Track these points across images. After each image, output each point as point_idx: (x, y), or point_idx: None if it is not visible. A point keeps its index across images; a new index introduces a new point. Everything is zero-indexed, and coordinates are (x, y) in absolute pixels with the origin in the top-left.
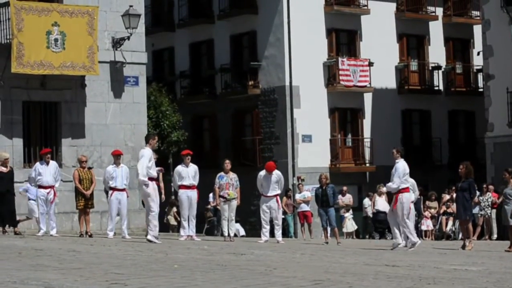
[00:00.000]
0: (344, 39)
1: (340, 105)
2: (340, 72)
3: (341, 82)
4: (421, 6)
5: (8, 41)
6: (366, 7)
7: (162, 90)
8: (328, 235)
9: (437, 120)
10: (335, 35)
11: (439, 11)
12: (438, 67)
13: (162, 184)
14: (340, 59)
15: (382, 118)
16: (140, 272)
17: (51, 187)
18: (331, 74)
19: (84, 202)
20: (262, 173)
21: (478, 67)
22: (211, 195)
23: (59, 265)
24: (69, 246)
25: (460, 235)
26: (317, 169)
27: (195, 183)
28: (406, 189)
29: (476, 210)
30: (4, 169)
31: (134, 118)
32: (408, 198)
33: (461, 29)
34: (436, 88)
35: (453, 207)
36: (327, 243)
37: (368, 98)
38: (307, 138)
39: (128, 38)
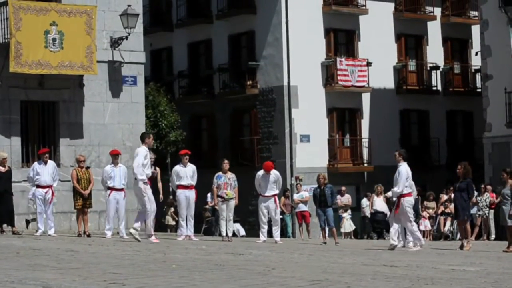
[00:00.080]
0: (342, 39)
1: (338, 105)
2: (338, 72)
3: (339, 82)
4: (419, 6)
5: (6, 40)
6: (364, 7)
7: (160, 89)
8: (326, 235)
9: (435, 120)
10: (333, 35)
11: (437, 11)
12: (436, 67)
13: (160, 184)
14: (338, 59)
15: (380, 118)
16: (138, 272)
17: (49, 186)
18: (329, 74)
19: (82, 202)
20: (260, 173)
21: (476, 67)
22: (209, 195)
23: (57, 265)
24: (67, 246)
25: (458, 235)
26: (315, 169)
27: (193, 183)
28: (408, 194)
29: (474, 210)
30: (2, 169)
31: (132, 118)
32: (411, 202)
33: (459, 29)
34: (434, 88)
35: (451, 207)
36: (325, 243)
37: (366, 98)
38: (305, 138)
39: (126, 37)
